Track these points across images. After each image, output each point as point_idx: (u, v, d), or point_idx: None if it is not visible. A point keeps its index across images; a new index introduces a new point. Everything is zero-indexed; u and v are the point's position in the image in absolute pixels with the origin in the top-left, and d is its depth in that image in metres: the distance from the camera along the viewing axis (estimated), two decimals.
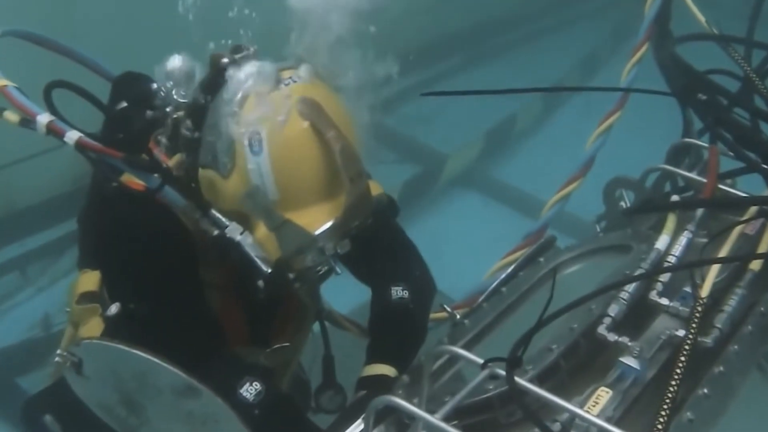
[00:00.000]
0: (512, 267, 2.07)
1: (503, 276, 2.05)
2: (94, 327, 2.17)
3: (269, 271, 1.81)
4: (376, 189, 1.90)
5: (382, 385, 2.00)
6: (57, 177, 4.69)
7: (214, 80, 1.84)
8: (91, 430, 2.32)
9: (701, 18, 2.39)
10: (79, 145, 1.89)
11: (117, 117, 2.05)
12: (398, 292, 2.19)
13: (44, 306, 4.41)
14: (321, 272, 1.90)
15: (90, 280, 2.23)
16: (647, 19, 2.54)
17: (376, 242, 2.23)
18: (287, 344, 2.23)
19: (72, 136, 1.90)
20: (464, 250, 5.01)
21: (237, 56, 1.84)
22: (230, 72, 1.81)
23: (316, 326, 2.44)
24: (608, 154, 2.71)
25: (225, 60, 1.83)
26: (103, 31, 4.33)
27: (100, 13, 4.60)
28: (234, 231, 1.83)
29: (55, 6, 4.41)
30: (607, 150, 2.67)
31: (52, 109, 1.94)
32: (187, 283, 1.98)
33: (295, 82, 1.80)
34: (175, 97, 2.01)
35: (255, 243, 1.82)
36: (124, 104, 2.08)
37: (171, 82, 2.04)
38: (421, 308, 2.25)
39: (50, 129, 1.92)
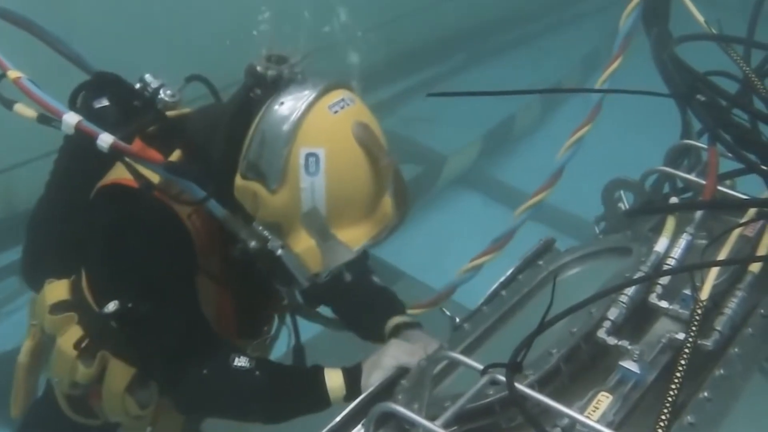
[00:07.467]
0: (512, 270, 2.06)
1: (503, 278, 2.04)
2: (72, 335, 2.17)
3: (307, 284, 1.93)
4: None
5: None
6: None
7: (251, 94, 1.90)
8: None
9: (700, 18, 2.37)
10: (113, 149, 1.84)
11: (98, 114, 2.02)
12: (380, 282, 2.39)
13: None
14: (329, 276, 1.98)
15: (59, 290, 2.22)
16: (621, 35, 2.45)
17: None
18: (269, 336, 2.35)
19: (106, 139, 1.83)
20: (464, 249, 4.94)
21: (284, 70, 1.88)
22: (276, 83, 1.87)
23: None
24: (606, 154, 2.70)
25: (272, 72, 1.88)
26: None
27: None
28: (275, 244, 1.87)
29: None
30: (605, 150, 2.66)
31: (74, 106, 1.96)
32: (189, 281, 2.00)
33: (348, 105, 1.87)
34: (163, 96, 2.10)
35: (295, 257, 1.87)
36: (105, 102, 2.06)
37: (157, 82, 2.11)
38: None
39: (79, 129, 1.85)
